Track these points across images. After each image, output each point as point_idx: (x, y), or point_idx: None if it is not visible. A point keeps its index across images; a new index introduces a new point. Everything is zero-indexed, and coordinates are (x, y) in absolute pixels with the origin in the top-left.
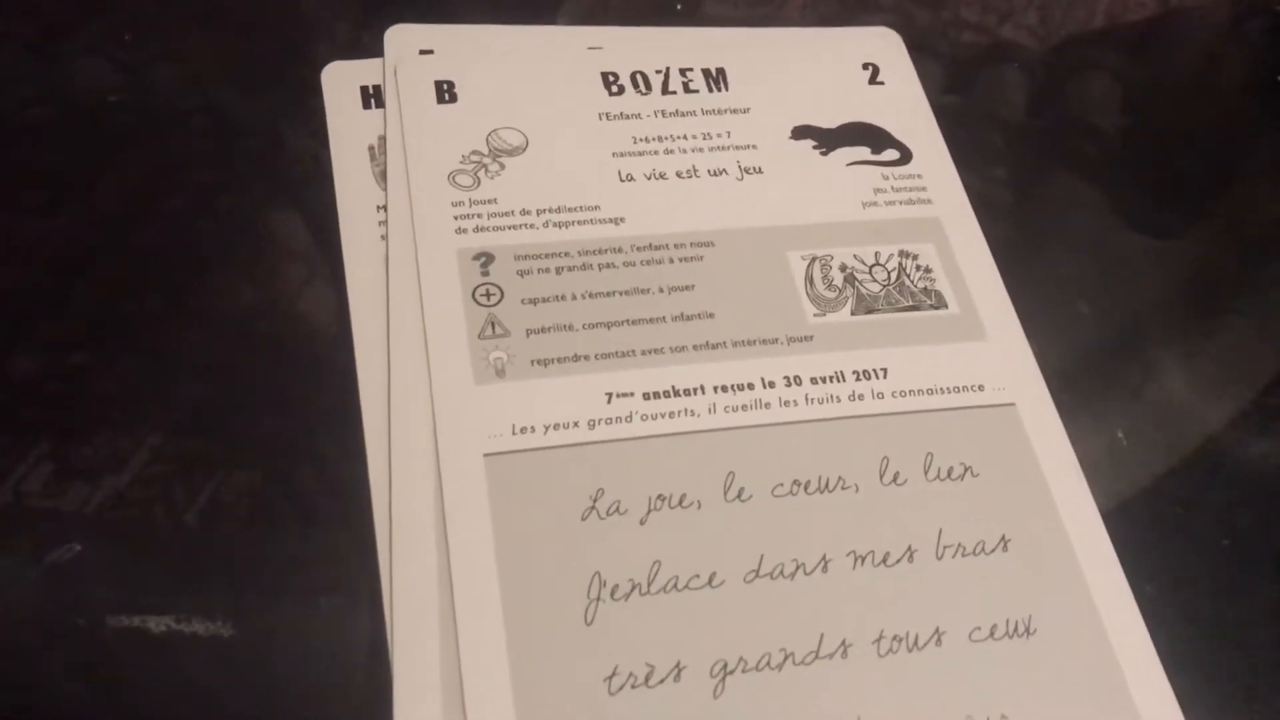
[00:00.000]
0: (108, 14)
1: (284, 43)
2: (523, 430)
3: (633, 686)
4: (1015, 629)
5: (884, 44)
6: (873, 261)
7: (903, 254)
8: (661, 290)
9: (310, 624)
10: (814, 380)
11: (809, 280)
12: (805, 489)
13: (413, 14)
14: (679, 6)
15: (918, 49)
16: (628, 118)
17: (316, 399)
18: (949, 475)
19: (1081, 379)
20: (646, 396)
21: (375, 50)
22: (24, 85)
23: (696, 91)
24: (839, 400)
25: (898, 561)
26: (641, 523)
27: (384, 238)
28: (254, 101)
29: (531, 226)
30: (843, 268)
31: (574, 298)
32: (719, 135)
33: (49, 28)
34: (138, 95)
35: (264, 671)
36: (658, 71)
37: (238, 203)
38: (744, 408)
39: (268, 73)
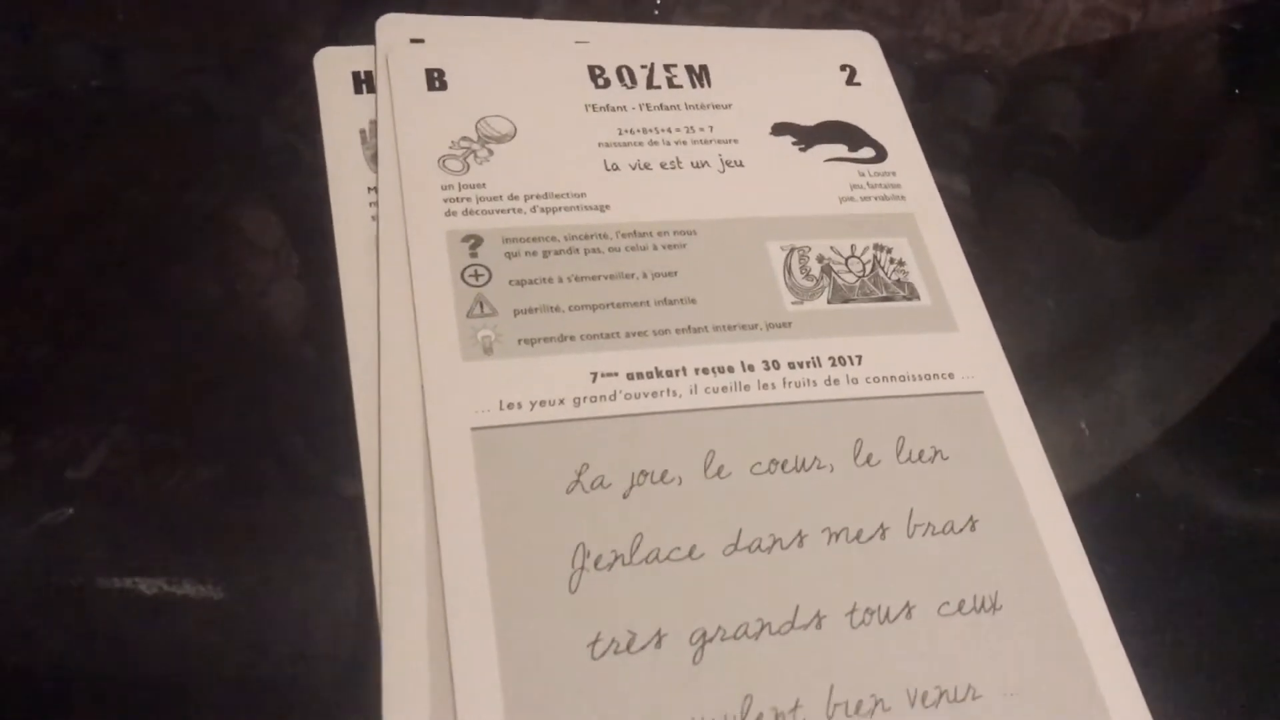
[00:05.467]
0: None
1: (265, 33)
2: (510, 406)
3: (615, 652)
4: (982, 604)
5: (861, 47)
6: (849, 254)
7: (877, 247)
8: (645, 275)
9: (301, 588)
10: (791, 365)
11: (787, 270)
12: (782, 468)
13: (395, 6)
14: (656, 12)
15: (889, 58)
16: (613, 110)
17: (290, 380)
18: (920, 458)
19: (1046, 371)
20: (630, 376)
21: (358, 40)
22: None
23: (680, 87)
24: (815, 384)
25: (870, 538)
26: (624, 497)
27: (375, 219)
28: (235, 90)
29: (519, 211)
30: (820, 259)
31: (560, 280)
32: (701, 129)
33: (32, 11)
34: (119, 80)
35: (254, 634)
36: (643, 66)
37: (211, 194)
38: (724, 389)
39: (250, 62)
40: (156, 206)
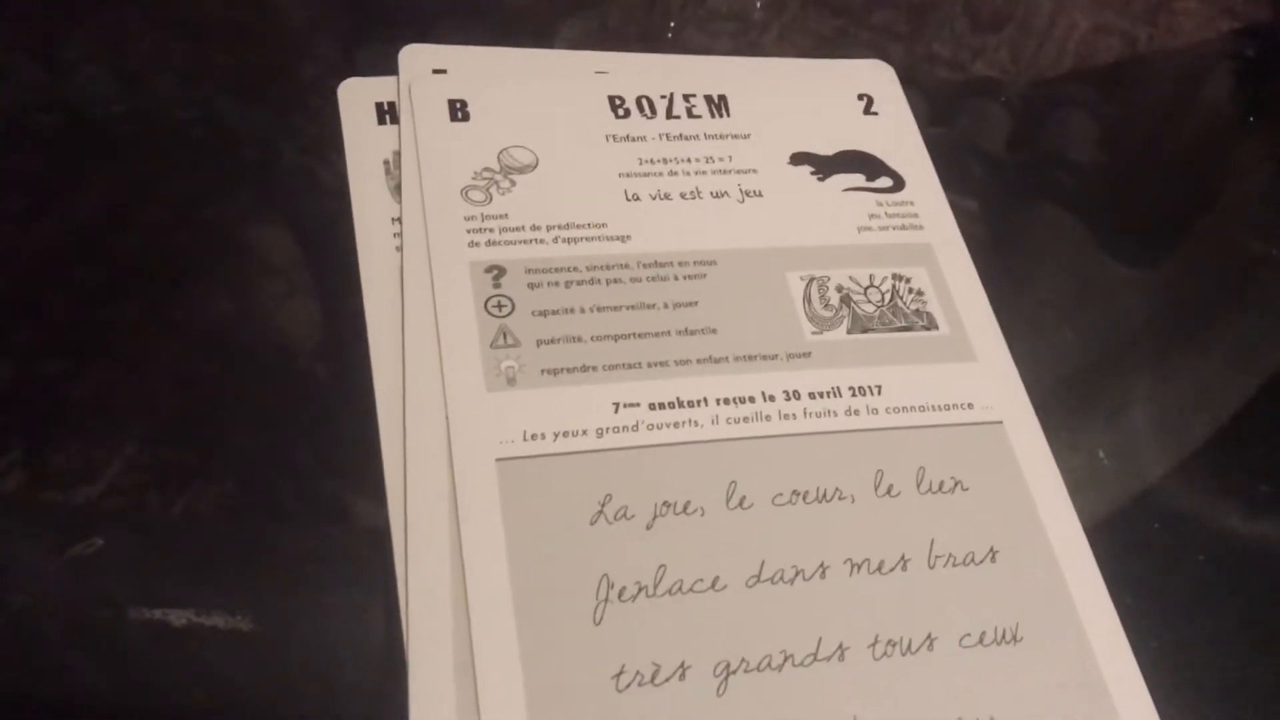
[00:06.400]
0: (110, 24)
1: (282, 56)
2: (533, 437)
3: (639, 685)
4: (1003, 636)
5: (877, 76)
6: (867, 283)
7: (896, 277)
8: (666, 306)
9: (328, 619)
10: (812, 395)
11: (807, 300)
12: (804, 498)
13: (409, 34)
14: (669, 34)
15: (902, 83)
16: (634, 140)
17: (314, 408)
18: (940, 489)
19: (1064, 400)
20: (652, 407)
21: (375, 69)
22: (25, 91)
23: (699, 117)
24: (836, 415)
25: (892, 570)
26: (648, 528)
27: (399, 249)
28: (252, 113)
29: (541, 241)
30: (839, 288)
31: (582, 311)
32: (721, 159)
33: (52, 35)
34: (139, 104)
35: (282, 666)
36: (662, 96)
37: (226, 214)
38: (745, 420)
39: (266, 85)
40: (171, 225)
